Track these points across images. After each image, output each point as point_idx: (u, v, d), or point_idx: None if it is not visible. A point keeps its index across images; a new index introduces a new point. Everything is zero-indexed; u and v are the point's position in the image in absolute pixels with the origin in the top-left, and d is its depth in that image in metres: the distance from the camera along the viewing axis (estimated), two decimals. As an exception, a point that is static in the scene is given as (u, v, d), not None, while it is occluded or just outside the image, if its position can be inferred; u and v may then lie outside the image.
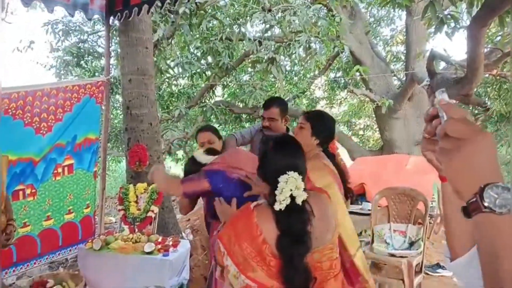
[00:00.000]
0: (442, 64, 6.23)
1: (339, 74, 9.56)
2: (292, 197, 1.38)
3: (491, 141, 0.58)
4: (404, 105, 6.99)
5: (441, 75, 5.21)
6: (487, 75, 6.30)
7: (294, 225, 1.37)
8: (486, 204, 0.55)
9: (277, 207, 1.38)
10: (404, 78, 7.65)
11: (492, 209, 0.55)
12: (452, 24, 4.05)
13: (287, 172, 1.40)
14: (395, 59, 9.28)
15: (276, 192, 1.39)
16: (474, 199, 0.56)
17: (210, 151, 2.35)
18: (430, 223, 4.76)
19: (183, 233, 4.69)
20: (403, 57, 8.42)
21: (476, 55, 4.27)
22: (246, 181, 1.97)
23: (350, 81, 7.77)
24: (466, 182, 0.58)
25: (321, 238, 1.43)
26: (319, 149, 2.16)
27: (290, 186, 1.37)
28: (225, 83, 8.15)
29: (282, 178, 1.39)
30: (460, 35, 4.34)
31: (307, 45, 5.36)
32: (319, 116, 2.23)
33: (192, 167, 2.26)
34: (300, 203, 1.39)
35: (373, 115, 8.61)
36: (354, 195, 3.66)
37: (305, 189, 1.42)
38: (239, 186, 1.99)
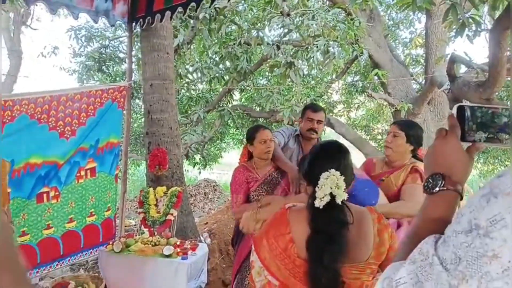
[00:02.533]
0: (463, 68, 6.12)
1: (357, 77, 9.49)
2: (332, 196, 1.37)
3: (447, 145, 0.78)
4: (424, 109, 6.88)
5: (462, 79, 5.12)
6: (509, 79, 6.16)
7: (330, 223, 1.36)
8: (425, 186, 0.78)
9: (317, 203, 1.37)
10: (424, 82, 7.54)
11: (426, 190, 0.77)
12: (474, 27, 3.98)
13: (329, 170, 1.40)
14: (414, 63, 9.16)
15: (316, 189, 1.39)
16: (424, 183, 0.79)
17: None
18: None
19: (201, 237, 4.72)
20: (422, 61, 8.31)
21: (499, 59, 4.18)
22: None
23: (368, 85, 7.70)
24: (425, 170, 0.82)
25: (354, 254, 1.38)
26: (410, 155, 2.44)
27: (330, 183, 1.37)
28: (242, 87, 8.18)
29: (323, 175, 1.39)
30: (481, 38, 4.25)
31: (325, 49, 5.35)
32: (411, 124, 2.52)
33: None
34: (340, 203, 1.38)
35: (392, 120, 8.51)
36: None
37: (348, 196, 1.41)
38: None
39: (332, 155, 1.50)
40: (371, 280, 1.41)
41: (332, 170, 1.40)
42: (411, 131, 2.41)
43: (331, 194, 1.37)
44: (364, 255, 1.40)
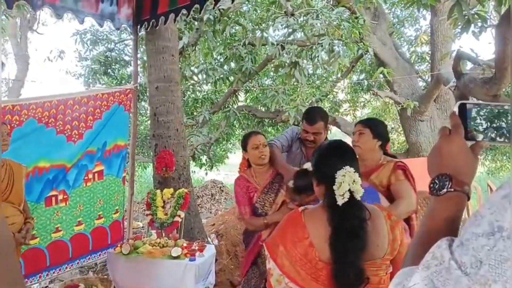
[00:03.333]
0: (469, 65, 6.07)
1: (362, 76, 9.45)
2: (350, 192, 1.37)
3: (451, 144, 0.76)
4: (430, 107, 6.84)
5: (468, 76, 5.08)
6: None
7: (351, 220, 1.36)
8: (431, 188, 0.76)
9: (339, 201, 1.37)
10: (430, 79, 7.50)
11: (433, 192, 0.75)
12: (479, 24, 3.95)
13: (344, 168, 1.40)
14: (419, 60, 9.10)
15: (335, 187, 1.39)
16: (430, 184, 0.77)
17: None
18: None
19: (208, 238, 4.73)
20: (428, 58, 8.26)
21: (505, 55, 4.14)
22: None
23: (374, 83, 7.68)
24: (430, 171, 0.80)
25: (373, 250, 1.39)
26: (381, 151, 2.41)
27: (348, 180, 1.37)
28: (247, 88, 8.19)
29: (340, 173, 1.39)
30: (487, 34, 4.22)
31: (330, 48, 5.34)
32: (374, 120, 2.57)
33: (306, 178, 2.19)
34: (359, 199, 1.38)
35: (398, 118, 8.47)
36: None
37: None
38: None
39: (343, 153, 1.51)
40: (386, 275, 1.42)
41: (347, 167, 1.40)
42: (375, 126, 2.42)
43: (349, 190, 1.37)
44: (381, 251, 1.41)
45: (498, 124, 0.74)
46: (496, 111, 0.74)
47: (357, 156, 2.34)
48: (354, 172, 1.40)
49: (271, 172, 2.68)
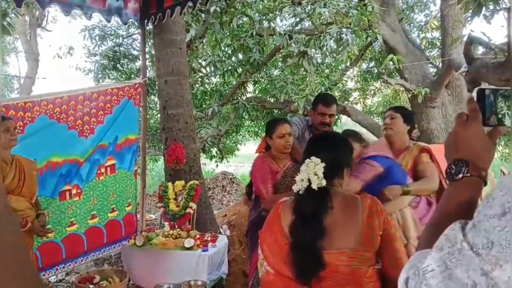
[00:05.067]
0: (481, 49, 5.96)
1: (372, 64, 9.34)
2: (310, 182, 1.44)
3: (469, 130, 0.76)
4: (442, 93, 6.74)
5: (480, 61, 4.98)
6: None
7: (305, 208, 1.44)
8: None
9: (295, 188, 1.47)
10: (441, 65, 7.38)
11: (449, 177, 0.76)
12: (491, 7, 3.87)
13: (310, 158, 1.47)
14: (430, 46, 8.95)
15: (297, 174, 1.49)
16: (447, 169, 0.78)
17: None
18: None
19: (220, 229, 4.76)
20: (438, 43, 8.13)
21: (518, 38, 4.05)
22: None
23: (383, 71, 7.59)
24: (446, 156, 0.80)
25: (340, 240, 1.39)
26: (408, 136, 2.66)
27: (309, 169, 1.44)
28: (256, 79, 8.16)
29: (305, 162, 1.48)
30: (499, 16, 4.13)
31: (339, 37, 5.28)
32: (403, 107, 2.95)
33: None
34: (316, 189, 1.42)
35: (409, 105, 8.38)
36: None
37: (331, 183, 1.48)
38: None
39: (316, 144, 1.61)
40: (366, 269, 1.39)
41: (313, 157, 1.46)
42: (405, 112, 2.70)
43: (308, 179, 1.44)
44: (351, 241, 1.39)
45: None
46: None
47: (386, 139, 2.59)
48: (327, 162, 1.45)
49: (288, 159, 2.76)
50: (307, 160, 1.47)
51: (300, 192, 1.46)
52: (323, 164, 1.44)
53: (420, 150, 2.58)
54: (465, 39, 5.23)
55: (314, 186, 1.42)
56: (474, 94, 0.77)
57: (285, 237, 1.46)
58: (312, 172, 1.43)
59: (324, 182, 1.43)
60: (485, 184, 0.76)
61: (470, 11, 3.92)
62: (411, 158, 2.56)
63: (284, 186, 2.65)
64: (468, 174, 0.74)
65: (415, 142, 2.69)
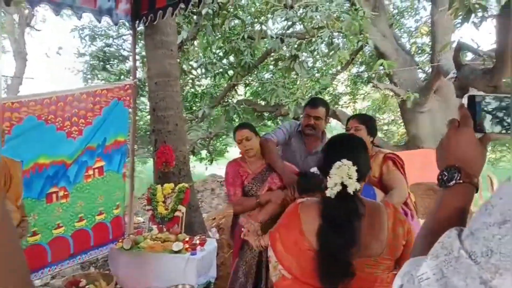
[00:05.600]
0: (470, 55, 6.04)
1: (362, 68, 9.42)
2: (344, 186, 1.34)
3: (461, 136, 0.76)
4: (430, 99, 6.82)
5: (468, 67, 5.05)
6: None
7: (340, 213, 1.34)
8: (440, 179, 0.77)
9: (328, 193, 1.36)
10: (430, 71, 7.47)
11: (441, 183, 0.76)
12: (480, 13, 3.93)
13: (341, 160, 1.38)
14: (420, 51, 9.07)
15: (328, 179, 1.37)
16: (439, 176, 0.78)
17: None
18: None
19: (209, 232, 4.73)
20: (428, 49, 8.22)
21: (506, 45, 4.12)
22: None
23: (373, 75, 7.65)
24: (438, 163, 0.80)
25: (367, 247, 1.37)
26: (371, 146, 2.53)
27: (341, 173, 1.35)
28: (247, 82, 8.17)
29: (335, 165, 1.37)
30: (487, 23, 4.20)
31: (330, 41, 5.31)
32: (368, 117, 2.72)
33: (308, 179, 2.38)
34: (352, 193, 1.34)
35: (398, 110, 8.45)
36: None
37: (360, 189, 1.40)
38: None
39: (343, 146, 1.50)
40: (387, 275, 1.39)
41: (344, 160, 1.37)
42: (370, 123, 2.54)
43: (342, 183, 1.34)
44: (377, 249, 1.38)
45: (507, 115, 0.73)
46: (505, 103, 0.74)
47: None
48: (353, 165, 1.36)
49: (262, 163, 2.77)
50: (338, 163, 1.37)
51: (332, 197, 1.36)
52: (355, 167, 1.37)
53: (383, 159, 2.48)
54: (454, 45, 5.30)
55: (351, 190, 1.34)
56: (465, 100, 0.77)
57: (306, 241, 1.38)
58: (346, 175, 1.34)
59: (359, 186, 1.36)
60: (477, 191, 0.76)
61: (460, 17, 3.97)
62: (377, 166, 2.46)
63: (254, 190, 2.70)
64: (461, 181, 0.74)
65: (377, 149, 2.58)
